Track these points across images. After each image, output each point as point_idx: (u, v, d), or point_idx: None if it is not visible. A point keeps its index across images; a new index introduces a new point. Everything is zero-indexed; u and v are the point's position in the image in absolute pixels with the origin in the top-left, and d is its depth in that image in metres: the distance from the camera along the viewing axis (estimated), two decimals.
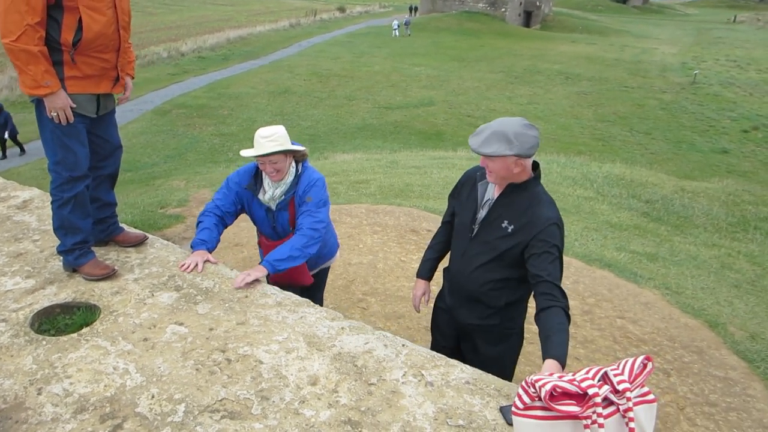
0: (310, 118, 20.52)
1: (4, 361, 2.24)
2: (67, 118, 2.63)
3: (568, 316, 2.21)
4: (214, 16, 52.84)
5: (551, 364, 2.07)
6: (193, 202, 7.52)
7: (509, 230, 2.30)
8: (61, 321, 2.58)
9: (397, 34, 39.52)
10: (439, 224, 2.87)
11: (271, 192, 2.99)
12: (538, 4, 48.03)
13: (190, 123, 20.26)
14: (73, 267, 2.86)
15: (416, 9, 53.39)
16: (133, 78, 3.03)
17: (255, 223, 3.21)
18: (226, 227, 3.10)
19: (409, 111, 21.68)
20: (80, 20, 2.55)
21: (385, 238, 5.63)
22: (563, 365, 2.14)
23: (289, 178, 2.98)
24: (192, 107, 21.81)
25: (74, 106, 2.65)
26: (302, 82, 25.97)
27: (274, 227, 3.12)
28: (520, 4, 47.07)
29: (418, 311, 2.90)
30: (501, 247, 2.33)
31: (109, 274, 2.83)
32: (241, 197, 3.08)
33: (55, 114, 2.60)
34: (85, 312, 2.61)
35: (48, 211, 3.40)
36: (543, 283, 2.22)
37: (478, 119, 20.36)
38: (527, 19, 47.68)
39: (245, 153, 2.88)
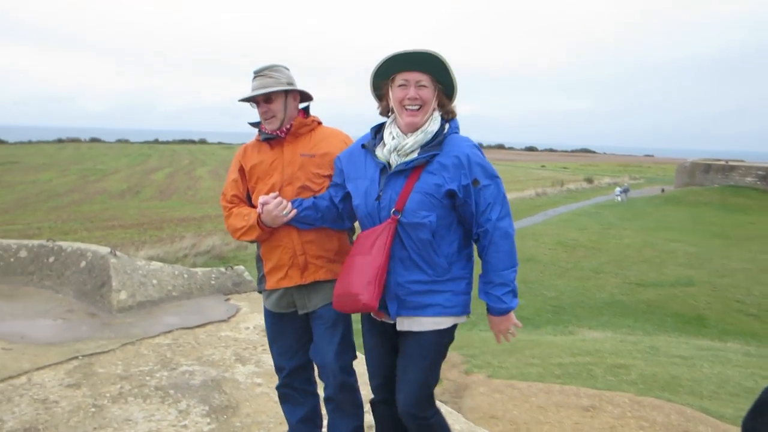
0: (554, 289, 20.23)
1: None
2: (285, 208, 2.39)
3: None
4: None
5: None
6: None
7: None
8: None
9: (619, 199, 43.44)
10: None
11: (397, 141, 2.15)
12: None
13: None
14: None
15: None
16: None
17: (354, 206, 2.33)
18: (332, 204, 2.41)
19: (664, 290, 20.09)
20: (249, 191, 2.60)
21: None
22: None
23: (433, 126, 2.13)
24: None
25: (277, 212, 2.38)
26: (547, 251, 26.09)
27: (378, 200, 2.17)
28: None
29: None
30: None
31: None
32: (346, 170, 2.34)
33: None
34: None
35: None
36: None
37: (750, 306, 17.94)
38: None
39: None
